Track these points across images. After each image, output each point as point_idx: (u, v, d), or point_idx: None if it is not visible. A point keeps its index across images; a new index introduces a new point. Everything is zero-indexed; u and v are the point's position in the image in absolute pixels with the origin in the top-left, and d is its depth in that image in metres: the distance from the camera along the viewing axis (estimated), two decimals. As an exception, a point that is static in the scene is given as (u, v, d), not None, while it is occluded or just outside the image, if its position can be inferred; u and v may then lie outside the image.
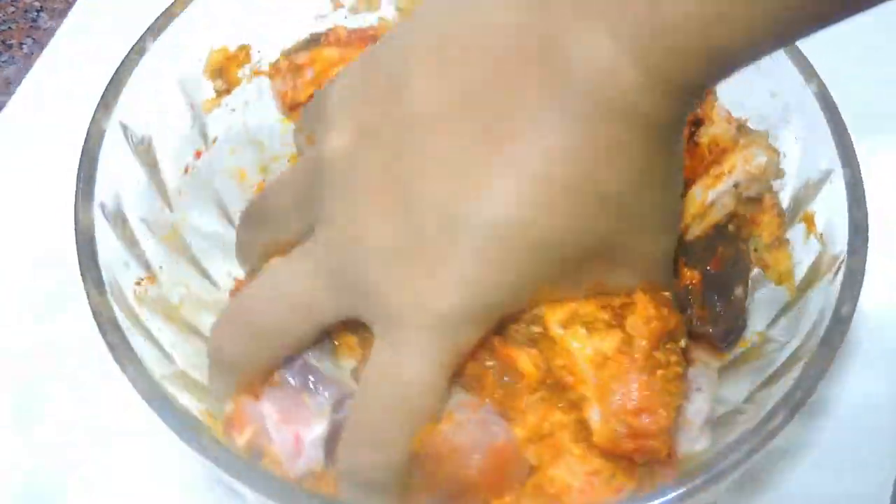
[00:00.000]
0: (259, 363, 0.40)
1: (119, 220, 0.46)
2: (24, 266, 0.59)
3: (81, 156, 0.45)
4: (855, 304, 0.41)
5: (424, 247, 0.34)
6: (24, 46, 0.71)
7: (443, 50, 0.35)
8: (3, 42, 0.72)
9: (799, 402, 0.39)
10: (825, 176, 0.45)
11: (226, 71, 0.53)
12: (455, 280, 0.34)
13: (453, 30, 0.35)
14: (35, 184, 0.62)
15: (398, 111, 0.35)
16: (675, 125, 0.35)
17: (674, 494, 0.37)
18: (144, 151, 0.49)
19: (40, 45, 0.70)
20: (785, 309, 0.46)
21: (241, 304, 0.41)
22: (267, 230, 0.43)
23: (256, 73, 0.54)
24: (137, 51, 0.48)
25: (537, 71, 0.33)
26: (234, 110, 0.54)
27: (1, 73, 0.70)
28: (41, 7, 0.74)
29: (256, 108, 0.56)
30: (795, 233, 0.48)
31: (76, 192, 0.44)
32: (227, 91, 0.53)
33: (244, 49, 0.53)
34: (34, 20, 0.73)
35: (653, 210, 0.36)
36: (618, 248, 0.36)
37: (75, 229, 0.43)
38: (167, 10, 0.49)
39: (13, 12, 0.74)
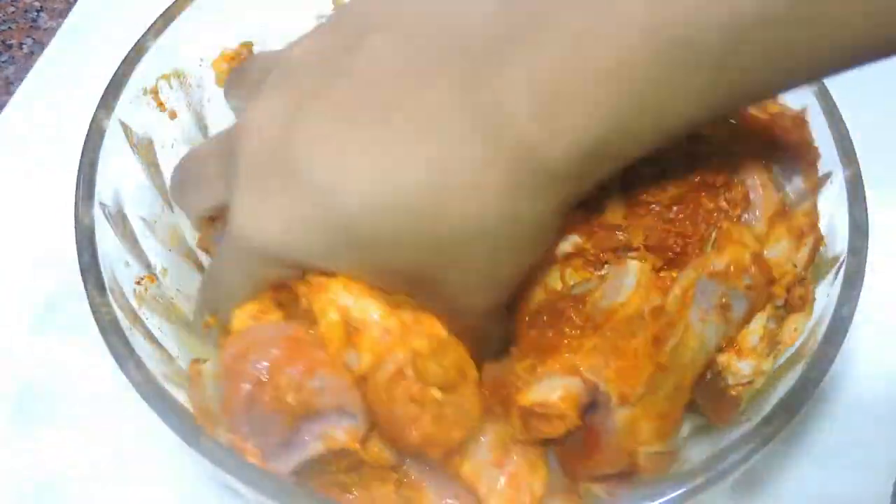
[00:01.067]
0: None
1: (119, 220, 0.46)
2: (24, 266, 0.59)
3: (81, 156, 0.45)
4: (855, 305, 0.41)
5: (284, 187, 0.35)
6: (24, 46, 0.71)
7: (405, 30, 0.35)
8: (3, 42, 0.72)
9: (799, 402, 0.39)
10: (825, 176, 0.46)
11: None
12: (278, 221, 0.35)
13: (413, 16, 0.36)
14: (35, 184, 0.62)
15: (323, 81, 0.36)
16: (557, 199, 0.34)
17: (674, 494, 0.37)
18: (144, 151, 0.49)
19: (40, 45, 0.70)
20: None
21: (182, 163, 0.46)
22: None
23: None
24: (137, 51, 0.48)
25: (458, 78, 0.33)
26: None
27: (1, 73, 0.70)
28: (41, 7, 0.74)
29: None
30: (795, 233, 0.48)
31: (76, 192, 0.44)
32: None
33: (247, 45, 0.53)
34: (34, 20, 0.73)
35: (485, 262, 0.35)
36: (433, 279, 0.36)
37: (75, 229, 0.43)
38: (167, 10, 0.49)
39: (13, 12, 0.74)
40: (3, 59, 0.70)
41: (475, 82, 0.32)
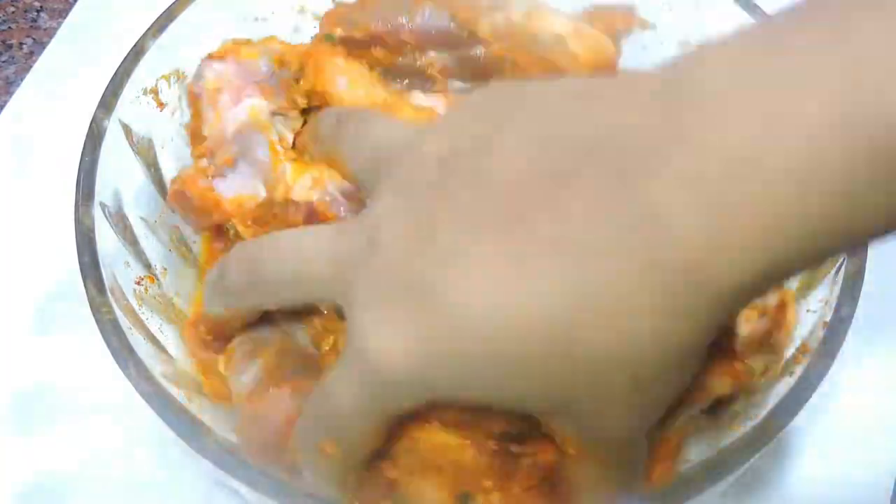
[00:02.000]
0: (247, 304, 0.41)
1: (119, 219, 0.46)
2: (24, 266, 0.59)
3: (82, 156, 0.45)
4: (855, 305, 0.41)
5: (415, 308, 0.32)
6: (24, 46, 0.71)
7: (548, 134, 0.31)
8: (3, 42, 0.72)
9: (799, 402, 0.39)
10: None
11: None
12: (411, 346, 0.32)
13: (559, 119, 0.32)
14: (35, 184, 0.62)
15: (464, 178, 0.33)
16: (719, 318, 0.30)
17: (674, 494, 0.37)
18: (144, 151, 0.49)
19: (40, 45, 0.70)
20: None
21: (261, 246, 0.40)
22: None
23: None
24: (137, 51, 0.48)
25: (604, 187, 0.29)
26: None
27: (1, 73, 0.70)
28: (41, 7, 0.74)
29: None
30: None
31: (76, 191, 0.44)
32: None
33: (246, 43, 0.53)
34: (34, 20, 0.73)
35: (627, 390, 0.32)
36: (567, 407, 0.32)
37: (75, 229, 0.43)
38: (167, 10, 0.49)
39: (13, 12, 0.74)
40: (3, 59, 0.70)
41: (624, 191, 0.28)
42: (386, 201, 0.36)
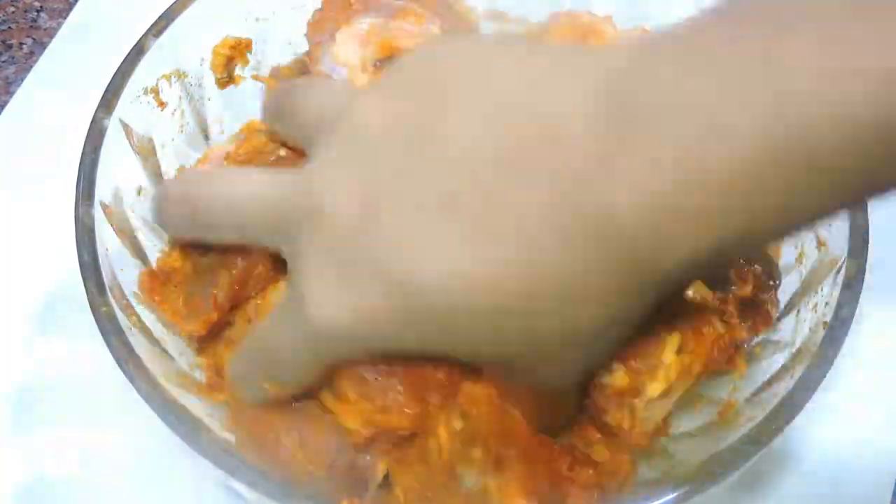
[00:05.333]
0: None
1: (119, 219, 0.46)
2: (24, 266, 0.59)
3: (82, 155, 0.45)
4: (855, 306, 0.41)
5: (360, 278, 0.33)
6: (24, 46, 0.71)
7: (494, 114, 0.32)
8: (3, 42, 0.72)
9: (800, 402, 0.39)
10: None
11: (231, 61, 0.53)
12: (355, 309, 0.34)
13: (509, 101, 0.33)
14: (35, 183, 0.62)
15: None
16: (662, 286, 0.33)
17: (674, 494, 0.37)
18: (145, 151, 0.49)
19: (40, 45, 0.70)
20: (785, 311, 0.46)
21: (198, 183, 0.43)
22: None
23: (255, 77, 0.54)
24: (137, 51, 0.48)
25: (559, 179, 0.31)
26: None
27: (1, 73, 0.70)
28: (41, 7, 0.74)
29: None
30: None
31: (76, 191, 0.44)
32: (230, 81, 0.54)
33: (247, 42, 0.53)
34: (34, 20, 0.73)
35: (571, 356, 0.35)
36: (510, 365, 0.36)
37: (75, 229, 0.43)
38: (167, 10, 0.49)
39: (13, 12, 0.74)
40: (3, 59, 0.70)
41: (579, 186, 0.30)
42: (327, 163, 0.36)
